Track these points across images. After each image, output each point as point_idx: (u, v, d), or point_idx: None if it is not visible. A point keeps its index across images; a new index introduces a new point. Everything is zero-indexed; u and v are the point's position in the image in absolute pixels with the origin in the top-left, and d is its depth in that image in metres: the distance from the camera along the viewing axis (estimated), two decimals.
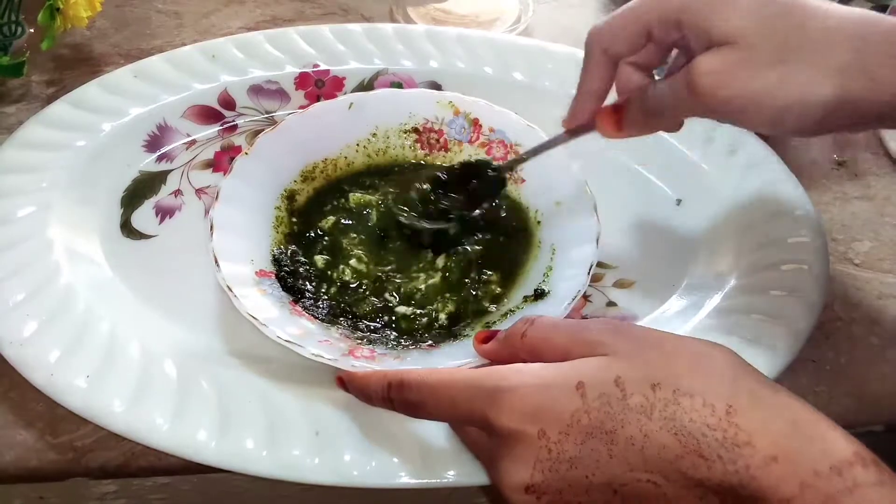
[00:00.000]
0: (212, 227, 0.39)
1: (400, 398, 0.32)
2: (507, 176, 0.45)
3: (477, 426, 0.30)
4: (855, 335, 0.43)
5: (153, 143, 0.48)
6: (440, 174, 0.45)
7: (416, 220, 0.43)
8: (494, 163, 0.45)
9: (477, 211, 0.43)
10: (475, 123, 0.48)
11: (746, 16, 0.30)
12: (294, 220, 0.44)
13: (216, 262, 0.37)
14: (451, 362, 0.35)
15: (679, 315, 0.42)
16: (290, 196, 0.45)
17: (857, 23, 0.30)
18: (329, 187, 0.46)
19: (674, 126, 0.37)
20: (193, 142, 0.49)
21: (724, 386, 0.27)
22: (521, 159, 0.44)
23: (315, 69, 0.52)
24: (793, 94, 0.30)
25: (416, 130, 0.48)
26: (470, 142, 0.48)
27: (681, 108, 0.34)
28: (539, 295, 0.40)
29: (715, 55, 0.31)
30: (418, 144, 0.48)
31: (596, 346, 0.29)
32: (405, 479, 0.34)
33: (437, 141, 0.48)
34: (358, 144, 0.48)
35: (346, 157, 0.47)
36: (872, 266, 0.47)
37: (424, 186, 0.44)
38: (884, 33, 0.30)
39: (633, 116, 0.36)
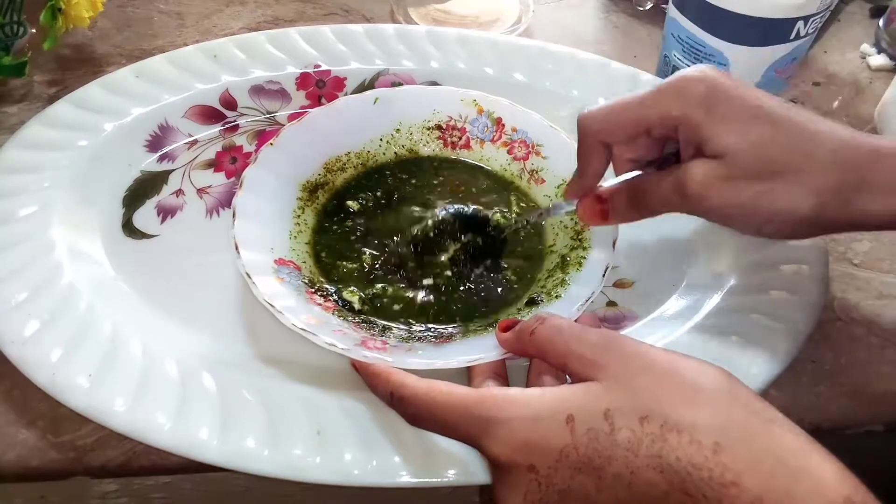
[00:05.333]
0: (234, 215, 0.39)
1: (400, 409, 0.33)
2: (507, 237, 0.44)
3: (473, 447, 0.30)
4: (855, 335, 0.43)
5: (155, 143, 0.48)
6: (443, 220, 0.43)
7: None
8: (493, 221, 0.44)
9: (476, 268, 0.43)
10: (498, 123, 0.48)
11: (738, 133, 0.32)
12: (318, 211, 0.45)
13: (236, 248, 0.38)
14: (463, 357, 0.35)
15: (679, 315, 0.42)
16: (313, 188, 0.45)
17: (839, 147, 0.32)
18: (351, 180, 0.47)
19: (657, 215, 0.38)
20: (195, 142, 0.49)
21: (714, 419, 0.27)
22: (523, 224, 0.44)
23: (316, 69, 0.53)
24: (774, 209, 0.33)
25: (438, 127, 0.49)
26: (492, 141, 0.48)
27: (667, 205, 0.35)
28: (532, 302, 0.40)
29: (706, 165, 0.33)
30: (441, 141, 0.49)
31: (589, 366, 0.30)
32: (406, 479, 0.34)
33: (460, 139, 0.49)
34: (381, 139, 0.48)
35: (369, 152, 0.48)
36: (872, 266, 0.47)
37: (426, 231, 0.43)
38: (858, 159, 0.32)
39: (618, 207, 0.38)
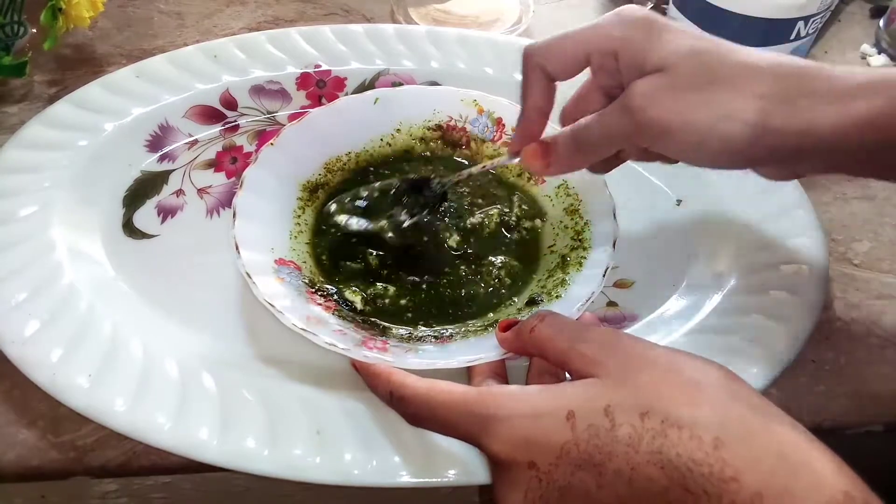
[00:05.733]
0: (234, 215, 0.39)
1: (400, 409, 0.33)
2: (448, 190, 0.44)
3: (473, 445, 0.31)
4: (855, 335, 0.43)
5: (155, 143, 0.48)
6: (382, 188, 0.45)
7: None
8: (435, 179, 0.44)
9: (416, 218, 0.43)
10: (498, 123, 0.48)
11: (676, 48, 0.32)
12: (316, 212, 0.45)
13: (237, 248, 0.38)
14: (463, 357, 0.35)
15: (679, 315, 0.42)
16: (313, 188, 0.45)
17: (777, 60, 0.32)
18: (351, 180, 0.47)
19: (602, 163, 0.38)
20: (195, 142, 0.49)
21: (714, 415, 0.27)
22: (463, 176, 0.43)
23: (316, 69, 0.53)
24: (715, 115, 0.31)
25: (439, 127, 0.49)
26: (493, 140, 0.48)
27: (611, 133, 0.34)
28: (532, 302, 0.40)
29: (648, 79, 0.33)
30: (441, 141, 0.49)
31: (590, 363, 0.30)
32: (406, 479, 0.34)
33: (460, 139, 0.49)
34: (382, 139, 0.48)
35: (369, 151, 0.48)
36: (872, 266, 0.47)
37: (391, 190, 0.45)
38: (803, 69, 0.32)
39: (562, 151, 0.36)
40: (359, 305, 0.40)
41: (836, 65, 0.32)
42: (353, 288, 0.41)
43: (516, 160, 0.39)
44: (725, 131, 0.31)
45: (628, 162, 0.39)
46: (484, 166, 0.42)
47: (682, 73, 0.32)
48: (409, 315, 0.40)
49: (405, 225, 0.43)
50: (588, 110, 0.36)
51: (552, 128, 0.38)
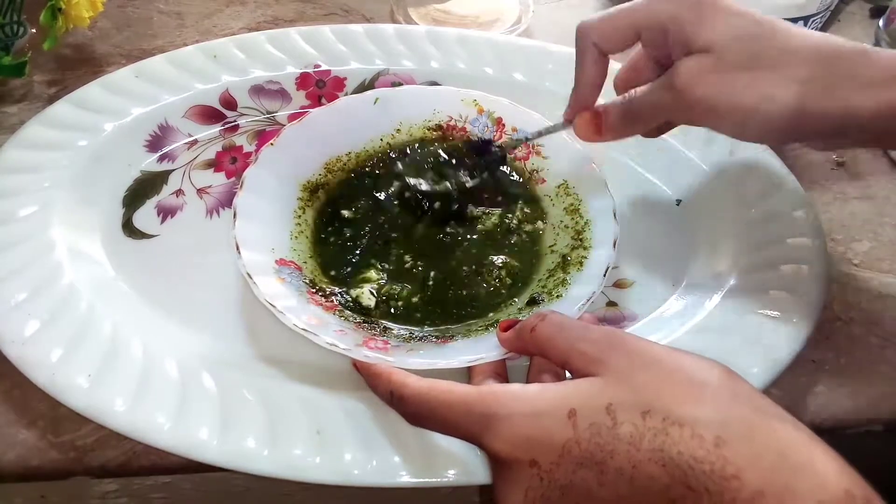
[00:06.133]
0: (235, 215, 0.39)
1: (401, 409, 0.33)
2: (509, 153, 0.47)
3: (474, 444, 0.31)
4: (854, 335, 0.43)
5: (155, 143, 0.48)
6: (445, 152, 0.46)
7: (424, 185, 0.45)
8: (496, 142, 0.47)
9: (476, 180, 0.45)
10: (498, 122, 0.48)
11: (723, 28, 0.34)
12: (317, 211, 0.45)
13: (237, 249, 0.38)
14: (464, 357, 0.35)
15: (679, 315, 0.42)
16: (314, 188, 0.45)
17: (820, 43, 0.34)
18: (352, 180, 0.47)
19: (651, 130, 0.41)
20: (195, 142, 0.49)
21: (716, 413, 0.27)
22: (521, 140, 0.46)
23: (316, 69, 0.53)
24: (758, 97, 0.34)
25: (439, 127, 0.49)
26: (493, 140, 0.48)
27: (659, 107, 0.37)
28: (532, 302, 0.40)
29: (694, 58, 0.35)
30: (441, 142, 0.49)
31: (591, 362, 0.30)
32: (406, 478, 0.34)
33: (460, 139, 0.49)
34: (382, 139, 0.48)
35: (368, 151, 0.48)
36: (872, 266, 0.47)
37: (431, 159, 0.46)
38: (844, 54, 0.33)
39: (612, 119, 0.39)
40: (370, 304, 0.40)
41: (878, 48, 0.34)
42: (363, 287, 0.41)
43: (569, 128, 0.41)
44: (767, 113, 0.34)
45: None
46: (539, 132, 0.44)
47: (727, 56, 0.34)
48: (418, 315, 0.40)
49: (469, 185, 0.45)
50: (640, 78, 0.39)
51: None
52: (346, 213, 0.45)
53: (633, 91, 0.38)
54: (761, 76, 0.33)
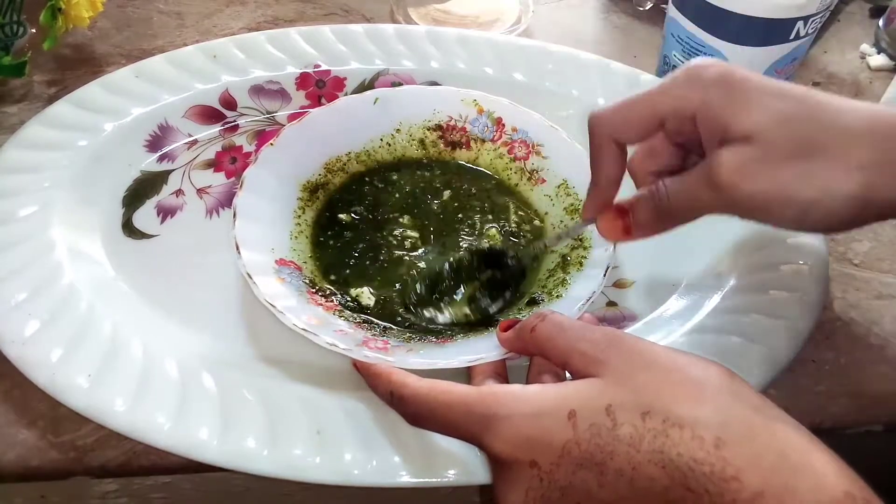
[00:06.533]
0: (235, 215, 0.39)
1: (401, 409, 0.33)
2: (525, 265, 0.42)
3: (474, 445, 0.31)
4: (854, 335, 0.43)
5: (154, 143, 0.48)
6: (460, 259, 0.42)
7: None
8: (511, 252, 0.42)
9: (497, 303, 0.41)
10: (498, 122, 0.48)
11: (764, 112, 0.30)
12: (318, 211, 0.45)
13: (237, 249, 0.38)
14: (463, 357, 0.35)
15: (679, 315, 0.42)
16: (313, 188, 0.45)
17: (872, 118, 0.30)
18: (351, 180, 0.47)
19: (685, 223, 0.35)
20: (195, 142, 0.49)
21: (716, 414, 0.26)
22: (543, 248, 0.42)
23: (316, 69, 0.53)
24: (816, 190, 0.29)
25: (439, 127, 0.49)
26: (493, 140, 0.48)
27: (699, 205, 0.32)
28: (532, 302, 0.40)
29: (736, 150, 0.30)
30: (441, 141, 0.49)
31: (591, 362, 0.30)
32: (406, 479, 0.34)
33: (460, 139, 0.49)
34: (382, 139, 0.48)
35: (368, 152, 0.48)
36: (872, 266, 0.47)
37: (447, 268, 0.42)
38: None
39: (643, 218, 0.34)
40: (369, 303, 0.40)
41: None
42: (364, 288, 0.41)
43: (591, 226, 0.37)
44: (828, 206, 0.30)
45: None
46: (559, 237, 0.41)
47: (773, 144, 0.29)
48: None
49: (492, 311, 0.40)
50: (661, 164, 0.35)
51: None
52: (343, 216, 0.44)
53: (661, 185, 0.33)
54: (816, 165, 0.29)
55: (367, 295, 0.40)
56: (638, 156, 0.36)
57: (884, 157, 0.29)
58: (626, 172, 0.36)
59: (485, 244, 0.44)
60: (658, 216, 0.34)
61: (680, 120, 0.32)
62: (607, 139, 0.34)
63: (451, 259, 0.42)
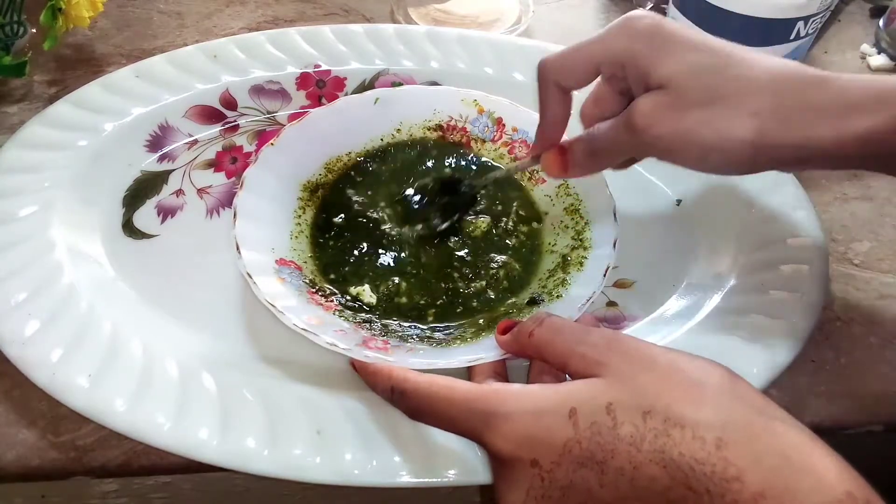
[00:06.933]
0: (235, 215, 0.39)
1: (402, 404, 0.33)
2: (477, 194, 0.46)
3: (474, 441, 0.31)
4: (854, 335, 0.43)
5: (155, 143, 0.48)
6: (419, 189, 0.45)
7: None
8: (466, 180, 0.45)
9: (447, 223, 0.44)
10: (498, 123, 0.48)
11: (678, 63, 0.33)
12: (316, 212, 0.45)
13: (238, 249, 0.38)
14: (463, 357, 0.35)
15: (679, 315, 0.42)
16: (314, 188, 0.45)
17: (778, 72, 0.32)
18: (351, 180, 0.47)
19: (617, 166, 0.39)
20: (195, 142, 0.49)
21: (717, 415, 0.27)
22: (490, 180, 0.45)
23: (316, 69, 0.53)
24: (714, 134, 0.32)
25: (439, 127, 0.49)
26: (493, 140, 0.48)
27: (620, 145, 0.36)
28: (532, 302, 0.40)
29: (650, 97, 0.33)
30: (442, 141, 0.49)
31: (591, 364, 0.30)
32: (406, 478, 0.34)
33: (460, 139, 0.49)
34: (382, 139, 0.48)
35: (369, 151, 0.48)
36: (872, 266, 0.47)
37: (408, 194, 0.45)
38: (802, 82, 0.32)
39: (577, 156, 0.38)
40: (371, 301, 0.40)
41: (840, 73, 0.32)
42: (363, 287, 0.41)
43: (536, 165, 0.40)
44: (725, 148, 0.32)
45: None
46: (507, 169, 0.44)
47: (683, 92, 0.32)
48: (419, 312, 0.40)
49: (440, 228, 0.44)
50: (605, 111, 0.37)
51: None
52: (337, 220, 0.44)
53: (596, 127, 0.37)
54: (718, 112, 0.32)
55: (368, 293, 0.40)
56: (587, 103, 0.39)
57: (777, 104, 0.32)
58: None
59: (445, 174, 0.47)
60: (590, 155, 0.38)
61: (612, 67, 0.35)
62: (552, 83, 0.37)
63: (416, 185, 0.45)
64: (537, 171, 0.47)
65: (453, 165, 0.48)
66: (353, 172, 0.47)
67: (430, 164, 0.48)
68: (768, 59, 0.33)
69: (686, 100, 0.32)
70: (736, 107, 0.32)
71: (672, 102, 0.33)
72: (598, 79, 0.37)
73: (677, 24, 0.34)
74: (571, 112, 0.38)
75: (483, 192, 0.46)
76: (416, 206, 0.45)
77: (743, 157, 0.33)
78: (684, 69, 0.32)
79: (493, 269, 0.42)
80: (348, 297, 0.40)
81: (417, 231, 0.44)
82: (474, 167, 0.48)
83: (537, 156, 0.40)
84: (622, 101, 0.36)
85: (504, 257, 0.43)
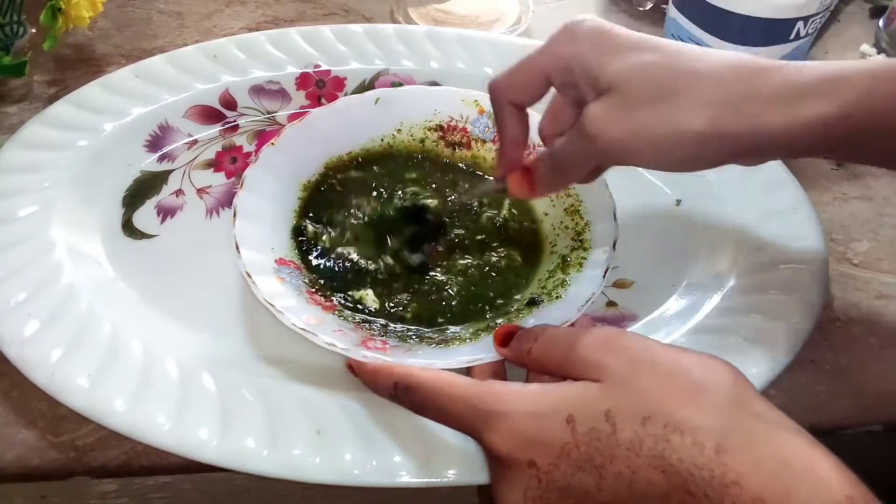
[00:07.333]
0: (235, 214, 0.39)
1: (405, 398, 0.33)
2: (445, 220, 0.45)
3: (474, 439, 0.31)
4: (854, 335, 0.43)
5: (154, 143, 0.48)
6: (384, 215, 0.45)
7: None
8: (432, 208, 0.45)
9: (420, 255, 0.43)
10: None
11: (624, 62, 0.32)
12: (312, 211, 0.44)
13: (237, 248, 0.38)
14: (463, 357, 0.35)
15: (679, 315, 0.42)
16: (314, 188, 0.45)
17: (729, 63, 0.32)
18: (350, 180, 0.47)
19: (583, 178, 0.38)
20: (195, 142, 0.49)
21: (717, 420, 0.26)
22: (458, 207, 0.45)
23: (316, 69, 0.53)
24: (667, 128, 0.31)
25: (439, 128, 0.49)
26: (493, 141, 0.48)
27: (580, 156, 0.35)
28: (532, 303, 0.40)
29: (600, 101, 0.32)
30: (442, 142, 0.49)
31: (589, 367, 0.29)
32: (406, 478, 0.34)
33: (461, 139, 0.49)
34: (382, 139, 0.48)
35: (369, 152, 0.48)
36: (871, 266, 0.47)
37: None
38: (751, 70, 0.31)
39: (542, 174, 0.37)
40: (375, 306, 0.40)
41: (790, 61, 0.32)
42: (368, 291, 0.41)
43: (502, 186, 0.40)
44: (680, 143, 0.31)
45: None
46: (474, 193, 0.44)
47: (631, 92, 0.32)
48: (419, 314, 0.40)
49: (415, 263, 0.43)
50: (561, 124, 0.37)
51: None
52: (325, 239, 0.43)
53: (556, 143, 0.36)
54: (669, 107, 0.31)
55: (371, 298, 0.40)
56: (544, 120, 0.38)
57: (728, 93, 0.31)
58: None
59: (407, 203, 0.46)
60: (553, 171, 0.37)
61: (561, 73, 0.34)
62: (505, 102, 0.37)
63: (383, 213, 0.45)
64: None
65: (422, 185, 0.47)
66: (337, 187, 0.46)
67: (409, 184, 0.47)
68: (717, 53, 0.32)
69: (636, 99, 0.32)
70: (686, 100, 0.31)
71: (622, 103, 0.32)
72: (553, 95, 0.36)
73: (619, 26, 0.34)
74: (530, 130, 0.38)
75: (451, 219, 0.45)
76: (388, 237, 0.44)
77: (698, 150, 0.32)
78: (631, 68, 0.32)
79: (492, 269, 0.42)
80: (350, 298, 0.40)
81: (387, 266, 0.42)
82: (446, 190, 0.47)
83: (501, 178, 0.39)
84: (578, 112, 0.36)
85: (503, 256, 0.43)
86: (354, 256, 0.42)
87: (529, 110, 0.41)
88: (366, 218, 0.44)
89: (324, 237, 0.43)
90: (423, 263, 0.43)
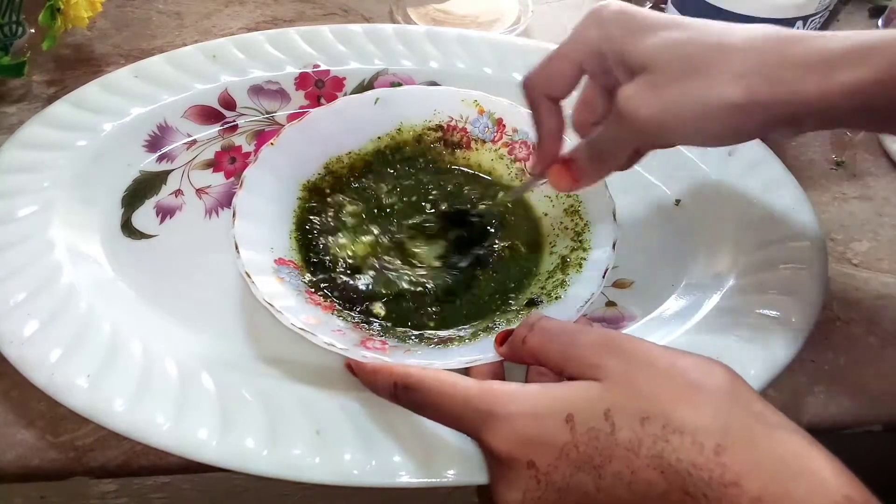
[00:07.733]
0: (234, 214, 0.39)
1: (405, 398, 0.33)
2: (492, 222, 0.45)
3: (473, 439, 0.31)
4: (853, 335, 0.43)
5: (154, 143, 0.48)
6: (431, 219, 0.45)
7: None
8: (474, 210, 0.45)
9: (466, 259, 0.43)
10: (499, 123, 0.48)
11: (654, 42, 0.32)
12: (313, 211, 0.44)
13: (236, 248, 0.38)
14: (462, 358, 0.35)
15: (678, 315, 0.42)
16: (313, 188, 0.45)
17: (757, 34, 0.32)
18: (350, 180, 0.47)
19: (623, 164, 0.38)
20: (194, 142, 0.49)
21: (716, 420, 0.27)
22: (500, 205, 0.45)
23: (315, 69, 0.53)
24: (702, 103, 0.31)
25: (439, 128, 0.49)
26: (493, 141, 0.48)
27: (618, 141, 0.35)
28: (531, 303, 0.40)
29: (633, 82, 0.33)
30: (442, 142, 0.49)
31: (588, 367, 0.29)
32: (406, 479, 0.34)
33: (461, 139, 0.49)
34: (382, 139, 0.48)
35: (369, 151, 0.48)
36: (871, 266, 0.47)
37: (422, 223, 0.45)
38: (782, 40, 0.31)
39: (582, 165, 0.37)
40: (381, 312, 0.40)
41: (816, 31, 0.32)
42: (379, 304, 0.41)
43: (542, 181, 0.40)
44: (717, 115, 0.31)
45: None
46: (517, 191, 0.44)
47: (662, 70, 0.32)
48: (423, 320, 0.40)
49: (462, 265, 0.43)
50: (594, 113, 0.37)
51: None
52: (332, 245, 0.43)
53: (593, 130, 0.37)
54: (703, 80, 0.31)
55: (378, 305, 0.40)
56: (576, 110, 0.39)
57: (761, 62, 0.31)
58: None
59: (445, 206, 0.46)
60: (593, 160, 0.37)
61: (593, 59, 0.35)
62: (541, 97, 0.37)
63: (418, 220, 0.45)
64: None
65: (450, 191, 0.47)
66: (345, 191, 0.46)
67: (431, 189, 0.47)
68: (743, 26, 0.33)
69: (668, 76, 0.32)
70: (720, 72, 0.31)
71: (654, 81, 0.32)
72: (583, 86, 0.37)
73: (643, 8, 0.34)
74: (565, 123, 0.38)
75: (494, 221, 0.45)
76: (426, 244, 0.44)
77: (736, 122, 0.32)
78: (661, 46, 0.32)
79: (491, 272, 0.42)
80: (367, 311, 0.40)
81: (437, 271, 0.42)
82: (474, 193, 0.47)
83: (540, 173, 0.40)
84: (610, 100, 0.36)
85: (507, 242, 0.43)
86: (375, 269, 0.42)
87: (522, 108, 0.41)
88: (397, 224, 0.45)
89: (339, 247, 0.43)
90: (484, 259, 0.43)
